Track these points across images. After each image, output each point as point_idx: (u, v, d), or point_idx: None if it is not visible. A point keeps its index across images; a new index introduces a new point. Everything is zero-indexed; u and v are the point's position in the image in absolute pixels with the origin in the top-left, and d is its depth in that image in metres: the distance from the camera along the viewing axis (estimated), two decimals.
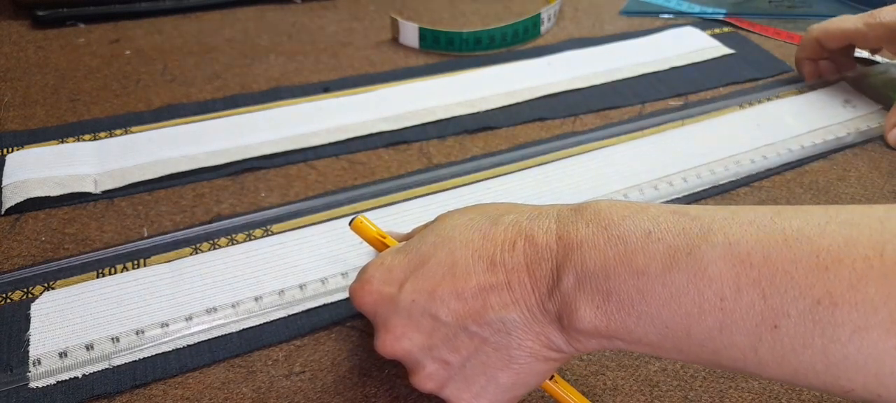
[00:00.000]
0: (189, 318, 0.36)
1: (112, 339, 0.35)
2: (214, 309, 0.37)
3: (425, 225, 0.34)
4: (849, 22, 0.54)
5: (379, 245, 0.34)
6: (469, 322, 0.28)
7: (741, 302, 0.23)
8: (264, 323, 0.37)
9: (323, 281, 0.39)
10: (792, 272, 0.22)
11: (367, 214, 0.38)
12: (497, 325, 0.27)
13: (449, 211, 0.32)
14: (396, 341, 0.29)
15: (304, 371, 0.35)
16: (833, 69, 0.59)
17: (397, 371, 0.35)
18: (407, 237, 0.35)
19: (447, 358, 0.29)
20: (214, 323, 0.36)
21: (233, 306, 0.37)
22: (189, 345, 0.35)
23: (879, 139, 0.53)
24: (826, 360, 0.22)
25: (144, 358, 0.35)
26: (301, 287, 0.38)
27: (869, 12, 0.53)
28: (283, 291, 0.38)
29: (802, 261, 0.22)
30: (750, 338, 0.23)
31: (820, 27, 0.56)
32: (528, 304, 0.27)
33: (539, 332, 0.27)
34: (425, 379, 0.29)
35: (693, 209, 0.25)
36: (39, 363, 0.34)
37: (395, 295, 0.29)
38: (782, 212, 0.24)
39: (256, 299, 0.38)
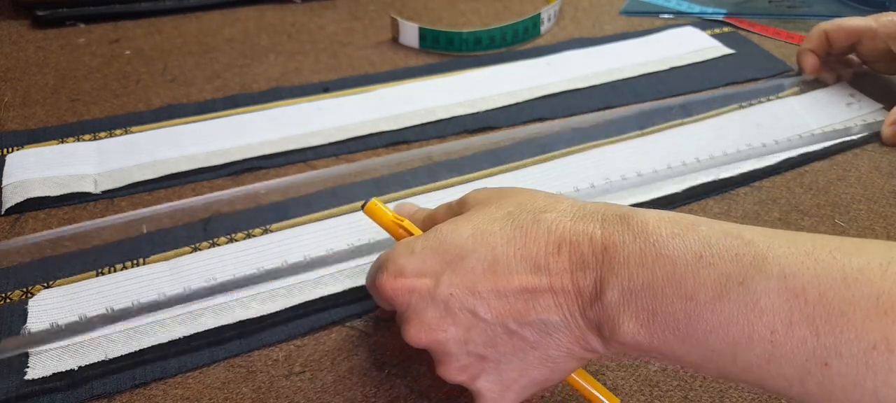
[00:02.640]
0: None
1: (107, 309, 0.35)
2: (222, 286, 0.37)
3: (448, 206, 0.33)
4: (859, 19, 0.55)
5: (395, 230, 0.33)
6: (509, 320, 0.28)
7: (792, 337, 0.22)
8: (264, 316, 0.37)
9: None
10: (849, 313, 0.22)
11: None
12: (538, 326, 0.27)
13: (480, 192, 0.32)
14: (431, 332, 0.29)
15: (304, 371, 0.35)
16: (831, 70, 0.59)
17: (398, 370, 0.35)
18: (429, 217, 0.34)
19: (483, 353, 0.28)
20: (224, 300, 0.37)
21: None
22: (188, 340, 0.35)
23: (880, 138, 0.53)
24: (876, 402, 0.22)
25: (144, 356, 0.35)
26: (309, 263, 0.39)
27: (880, 13, 0.54)
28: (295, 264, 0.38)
29: (861, 303, 0.22)
30: (798, 372, 0.23)
31: (831, 22, 0.56)
32: (570, 309, 0.27)
33: (579, 336, 0.27)
34: (457, 371, 0.29)
35: (747, 232, 0.25)
36: (40, 364, 0.34)
37: (432, 288, 0.29)
38: (842, 247, 0.23)
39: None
